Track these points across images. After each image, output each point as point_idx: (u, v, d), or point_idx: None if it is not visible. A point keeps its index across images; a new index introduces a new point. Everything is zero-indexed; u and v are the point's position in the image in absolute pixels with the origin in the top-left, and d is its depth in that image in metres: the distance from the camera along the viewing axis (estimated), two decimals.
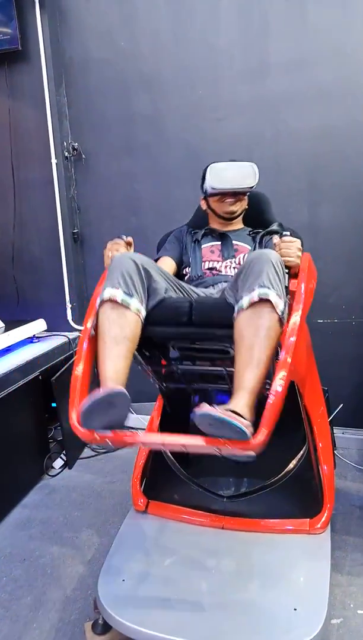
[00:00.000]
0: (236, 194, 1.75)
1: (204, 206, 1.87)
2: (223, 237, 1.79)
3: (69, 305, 2.80)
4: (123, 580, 1.46)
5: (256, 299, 1.20)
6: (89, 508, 2.10)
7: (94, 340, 1.33)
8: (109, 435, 1.13)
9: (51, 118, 2.60)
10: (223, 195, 1.75)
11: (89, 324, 1.36)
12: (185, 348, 1.44)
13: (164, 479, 1.84)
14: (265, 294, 1.20)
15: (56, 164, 2.64)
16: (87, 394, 1.19)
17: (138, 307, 1.31)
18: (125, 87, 2.56)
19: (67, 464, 2.43)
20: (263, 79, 2.34)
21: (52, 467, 2.42)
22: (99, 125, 2.64)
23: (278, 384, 1.17)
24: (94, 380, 1.30)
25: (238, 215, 1.83)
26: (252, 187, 1.73)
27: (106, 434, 1.13)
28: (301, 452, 1.72)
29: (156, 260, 1.82)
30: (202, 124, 2.47)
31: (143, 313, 1.33)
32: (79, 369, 1.30)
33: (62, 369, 2.42)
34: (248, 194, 1.82)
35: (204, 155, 2.47)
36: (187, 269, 1.78)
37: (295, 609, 1.33)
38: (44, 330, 2.72)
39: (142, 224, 2.67)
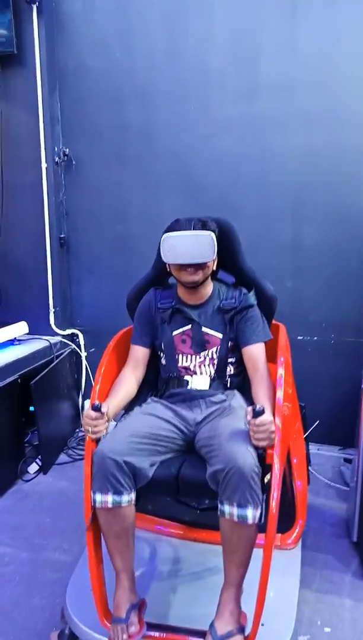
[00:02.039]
0: (197, 265, 1.59)
1: (168, 268, 1.69)
2: (191, 321, 1.67)
3: (52, 309, 2.79)
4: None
5: (236, 520, 1.29)
6: (61, 515, 2.08)
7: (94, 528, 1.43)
8: None
9: (43, 123, 2.61)
10: (181, 265, 1.60)
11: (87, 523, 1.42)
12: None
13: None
14: (243, 517, 1.29)
15: (46, 168, 2.65)
16: (105, 596, 1.39)
17: (128, 499, 1.38)
18: (118, 97, 2.58)
19: (42, 469, 2.41)
20: (252, 99, 2.39)
21: (27, 472, 2.39)
22: (91, 132, 2.65)
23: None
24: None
25: (203, 281, 1.65)
26: (210, 260, 1.58)
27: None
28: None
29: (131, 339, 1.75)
30: (191, 138, 2.50)
31: (134, 497, 1.41)
32: (95, 582, 1.38)
33: (42, 373, 2.41)
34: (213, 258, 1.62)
35: (192, 170, 2.52)
36: (162, 354, 1.71)
37: (262, 624, 1.33)
38: (26, 333, 2.70)
39: (128, 231, 2.69)
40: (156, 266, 1.80)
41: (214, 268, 1.69)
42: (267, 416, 1.32)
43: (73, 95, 2.65)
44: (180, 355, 1.68)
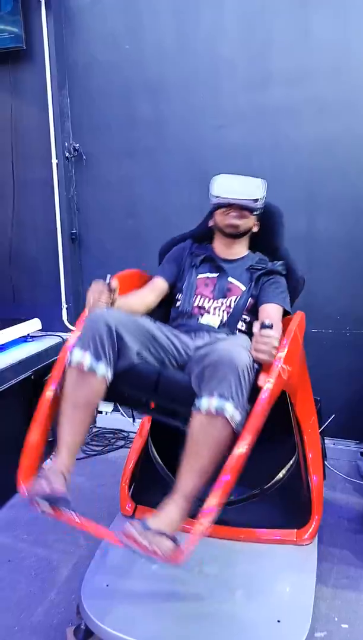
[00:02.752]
0: (241, 209, 1.69)
1: (211, 223, 1.81)
2: (220, 270, 1.74)
3: (64, 306, 2.79)
4: (107, 585, 1.45)
5: (213, 411, 1.21)
6: (77, 511, 2.08)
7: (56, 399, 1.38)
8: (50, 511, 1.24)
9: (53, 118, 2.60)
10: (227, 207, 1.70)
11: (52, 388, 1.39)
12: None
13: (153, 484, 1.83)
14: (221, 409, 1.21)
15: (57, 164, 2.64)
16: (38, 457, 1.38)
17: (103, 373, 1.32)
18: (128, 90, 2.56)
19: None
20: (264, 89, 2.35)
21: (42, 468, 2.40)
22: (101, 127, 2.64)
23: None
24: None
25: (242, 234, 1.76)
26: (257, 200, 1.68)
27: (47, 509, 1.23)
28: (291, 462, 1.71)
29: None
30: (203, 130, 2.47)
31: (110, 375, 1.34)
32: (34, 435, 1.37)
33: None
34: (255, 213, 1.73)
35: (204, 161, 2.49)
36: (179, 295, 1.73)
37: (279, 621, 1.32)
38: (39, 330, 2.71)
39: (139, 227, 2.67)
40: (195, 230, 1.92)
41: (255, 230, 1.79)
42: (274, 332, 1.29)
43: (83, 90, 2.64)
44: (198, 297, 1.70)
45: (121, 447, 2.62)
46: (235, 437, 1.24)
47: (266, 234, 1.83)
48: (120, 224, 2.71)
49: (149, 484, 1.84)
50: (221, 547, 1.62)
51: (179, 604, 1.42)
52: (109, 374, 1.33)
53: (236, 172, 2.39)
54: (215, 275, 1.73)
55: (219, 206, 1.72)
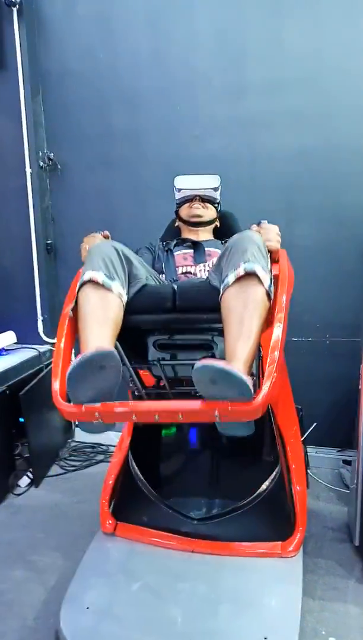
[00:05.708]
0: (203, 200, 1.88)
1: (177, 222, 1.97)
2: (195, 245, 1.82)
3: (40, 318, 2.73)
4: (87, 608, 1.40)
5: (242, 273, 1.18)
6: (55, 529, 2.02)
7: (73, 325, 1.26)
8: (97, 407, 1.04)
9: (26, 127, 2.56)
10: (190, 200, 1.88)
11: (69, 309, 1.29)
12: (168, 344, 1.39)
13: (134, 500, 1.79)
14: (251, 268, 1.18)
15: (31, 173, 2.60)
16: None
17: (120, 291, 1.26)
18: (103, 100, 2.54)
19: (34, 483, 2.34)
20: (239, 100, 2.35)
21: (18, 486, 2.33)
22: (76, 136, 2.61)
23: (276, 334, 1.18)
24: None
25: (207, 223, 1.90)
26: (216, 189, 1.89)
27: (94, 406, 1.04)
28: (274, 473, 1.69)
29: None
30: (179, 140, 2.46)
31: (125, 298, 1.28)
32: (61, 344, 1.22)
33: (31, 383, 2.35)
34: (215, 205, 1.92)
35: (180, 172, 2.46)
36: (162, 276, 1.73)
37: (265, 638, 1.28)
38: (14, 343, 2.64)
39: (117, 236, 2.60)
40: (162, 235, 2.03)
41: (217, 224, 1.95)
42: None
43: (57, 99, 2.61)
44: (181, 267, 1.74)
45: (101, 461, 2.55)
46: (269, 300, 1.21)
47: (229, 230, 1.91)
48: None
49: (131, 500, 1.80)
50: (206, 563, 1.58)
51: (165, 625, 1.37)
52: (124, 296, 1.26)
53: None
54: (191, 250, 1.80)
55: (184, 201, 1.90)
